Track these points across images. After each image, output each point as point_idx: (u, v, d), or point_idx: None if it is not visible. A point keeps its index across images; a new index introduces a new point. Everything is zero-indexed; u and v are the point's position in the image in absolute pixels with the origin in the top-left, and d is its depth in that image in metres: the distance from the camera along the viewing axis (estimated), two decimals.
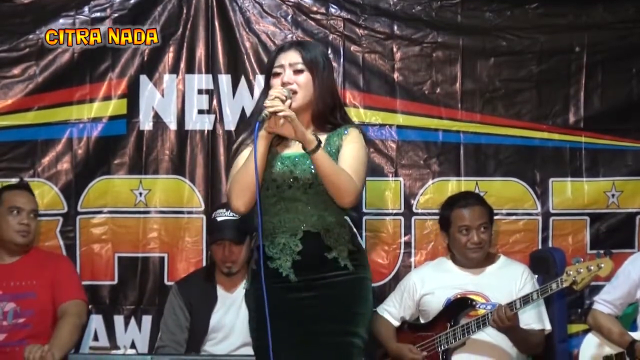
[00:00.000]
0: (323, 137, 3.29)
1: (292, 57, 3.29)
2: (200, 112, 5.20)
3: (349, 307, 3.25)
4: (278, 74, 3.29)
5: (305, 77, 3.27)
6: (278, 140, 3.28)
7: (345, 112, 3.43)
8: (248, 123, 3.38)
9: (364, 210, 5.17)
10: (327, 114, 3.32)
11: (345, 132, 3.33)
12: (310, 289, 3.21)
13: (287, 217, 3.24)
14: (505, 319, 4.20)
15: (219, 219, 4.61)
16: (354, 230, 3.41)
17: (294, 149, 3.27)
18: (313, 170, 3.22)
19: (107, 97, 5.15)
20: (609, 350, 4.41)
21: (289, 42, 3.50)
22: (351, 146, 3.31)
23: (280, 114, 3.10)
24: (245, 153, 3.27)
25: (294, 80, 3.26)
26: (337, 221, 3.28)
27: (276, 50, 3.41)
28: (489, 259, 4.57)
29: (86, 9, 5.14)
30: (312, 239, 3.23)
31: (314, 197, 3.24)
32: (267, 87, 3.32)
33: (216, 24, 5.20)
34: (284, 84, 3.25)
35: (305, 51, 3.30)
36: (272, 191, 3.24)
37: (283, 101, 3.18)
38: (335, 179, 3.17)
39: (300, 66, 3.28)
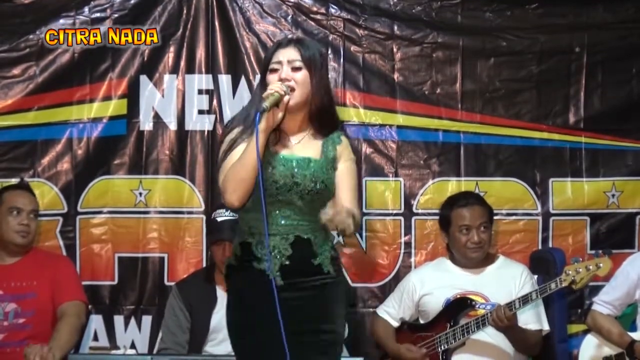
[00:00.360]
0: (319, 144, 3.29)
1: (290, 54, 3.25)
2: (201, 112, 5.21)
3: (331, 308, 3.26)
4: (275, 70, 3.25)
5: (303, 75, 3.24)
6: (275, 139, 3.27)
7: (337, 115, 3.40)
8: (243, 117, 3.30)
9: (364, 210, 5.16)
10: (323, 114, 3.30)
11: (339, 140, 3.32)
12: (294, 291, 3.20)
13: (280, 220, 3.22)
14: (505, 319, 4.20)
15: (219, 219, 4.60)
16: (333, 235, 3.42)
17: (293, 150, 3.26)
18: (314, 177, 3.22)
19: (107, 97, 5.16)
20: (608, 350, 4.41)
21: (287, 39, 3.45)
22: (347, 166, 3.31)
23: (348, 231, 3.07)
24: (241, 148, 3.22)
25: (291, 77, 3.22)
26: (323, 227, 3.28)
27: (274, 46, 3.36)
28: (488, 259, 4.57)
29: (86, 9, 5.15)
30: (302, 245, 3.22)
31: (309, 203, 3.22)
32: (264, 82, 3.29)
33: (216, 24, 5.20)
34: (281, 80, 3.21)
35: (304, 49, 3.27)
36: (269, 192, 3.20)
37: (282, 96, 3.17)
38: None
39: (298, 63, 3.24)
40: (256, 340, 3.21)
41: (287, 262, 3.20)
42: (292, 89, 3.21)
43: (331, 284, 3.25)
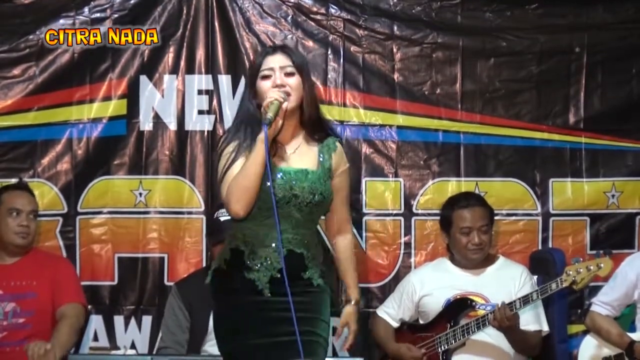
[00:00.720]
0: (314, 152, 3.30)
1: (281, 60, 3.26)
2: (200, 112, 5.21)
3: (316, 314, 3.27)
4: (268, 77, 3.25)
5: (296, 80, 3.24)
6: (273, 151, 3.25)
7: (327, 120, 3.43)
8: (238, 130, 3.28)
9: (364, 210, 5.17)
10: (315, 119, 3.30)
11: (334, 147, 3.33)
12: (280, 296, 3.19)
13: (276, 233, 3.20)
14: (505, 319, 4.20)
15: (222, 218, 4.58)
16: (326, 248, 3.42)
17: (290, 162, 3.26)
18: (312, 189, 3.22)
19: (107, 98, 5.16)
20: (607, 351, 4.41)
21: (273, 46, 3.48)
22: (343, 178, 3.35)
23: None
24: (241, 161, 3.20)
25: (286, 83, 3.23)
26: (316, 241, 3.31)
27: (262, 53, 3.36)
28: (488, 259, 4.57)
29: (86, 9, 5.15)
30: (295, 259, 3.22)
31: (307, 215, 3.24)
32: (252, 89, 3.29)
33: (216, 24, 5.20)
34: (277, 86, 3.21)
35: (294, 55, 3.29)
36: (269, 205, 3.18)
37: (281, 103, 3.17)
38: None
39: (290, 69, 3.24)
40: (246, 346, 3.21)
41: (278, 275, 3.19)
42: (288, 94, 3.22)
43: (318, 293, 3.27)
